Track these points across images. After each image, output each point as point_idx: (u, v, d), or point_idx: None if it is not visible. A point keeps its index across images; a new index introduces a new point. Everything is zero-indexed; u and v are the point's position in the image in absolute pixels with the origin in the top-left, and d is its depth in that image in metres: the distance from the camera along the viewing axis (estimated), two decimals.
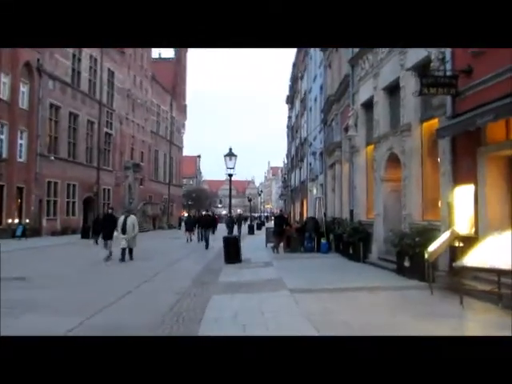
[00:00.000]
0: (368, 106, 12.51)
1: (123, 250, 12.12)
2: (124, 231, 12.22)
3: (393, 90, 10.77)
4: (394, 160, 10.47)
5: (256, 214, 56.23)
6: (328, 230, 14.77)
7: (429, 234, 8.00)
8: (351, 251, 11.88)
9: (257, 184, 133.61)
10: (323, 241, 14.25)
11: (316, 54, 24.50)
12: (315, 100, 24.72)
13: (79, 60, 30.93)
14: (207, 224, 19.24)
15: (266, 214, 66.08)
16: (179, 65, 56.99)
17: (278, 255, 14.17)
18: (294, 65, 39.13)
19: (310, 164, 25.88)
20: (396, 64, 9.90)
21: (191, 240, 21.92)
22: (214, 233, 21.64)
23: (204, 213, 27.66)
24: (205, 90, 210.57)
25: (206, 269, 11.46)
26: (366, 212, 12.54)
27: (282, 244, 15.08)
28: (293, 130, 41.00)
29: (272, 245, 16.41)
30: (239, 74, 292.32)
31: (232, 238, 12.44)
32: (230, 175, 12.83)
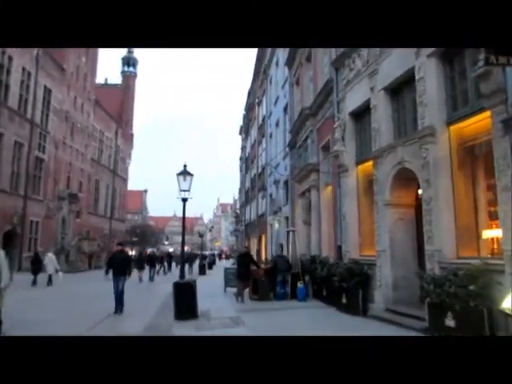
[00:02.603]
0: (359, 114, 10.11)
1: None
2: None
3: (398, 87, 8.42)
4: (403, 178, 7.95)
5: (207, 252, 52.38)
6: (304, 272, 11.89)
7: (487, 277, 5.37)
8: (344, 300, 9.01)
9: (205, 221, 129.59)
10: (300, 285, 11.31)
11: (277, 75, 22.52)
12: (276, 125, 22.47)
13: (8, 71, 26.93)
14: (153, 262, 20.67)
15: (216, 252, 62.10)
16: (127, 91, 53.81)
17: (244, 305, 10.99)
18: (250, 93, 37.32)
19: (271, 195, 23.25)
20: (407, 52, 7.53)
21: (142, 280, 20.73)
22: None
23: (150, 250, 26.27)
24: (151, 122, 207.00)
25: (147, 329, 8.09)
26: (358, 248, 9.83)
27: (246, 289, 11.95)
28: (247, 160, 38.62)
29: (234, 291, 13.24)
30: (188, 108, 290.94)
31: (185, 285, 9.17)
32: (184, 200, 9.72)
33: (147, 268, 22.43)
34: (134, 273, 25.21)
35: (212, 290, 14.72)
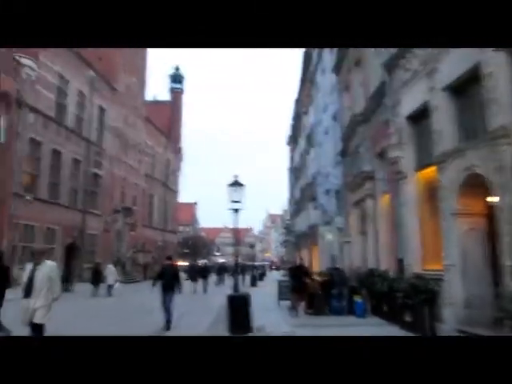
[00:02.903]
0: (417, 117, 9.48)
1: None
2: None
3: (462, 86, 7.77)
4: (474, 184, 7.25)
5: (257, 263, 52.18)
6: (361, 285, 11.29)
7: None
8: (408, 318, 8.35)
9: (255, 232, 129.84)
10: (358, 299, 10.71)
11: (325, 82, 22.05)
12: (326, 133, 21.96)
13: (65, 94, 28.42)
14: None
15: (266, 263, 61.66)
16: (175, 107, 55.31)
17: (299, 320, 10.57)
18: (297, 101, 37.02)
19: (322, 205, 22.67)
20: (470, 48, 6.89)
21: (195, 292, 21.61)
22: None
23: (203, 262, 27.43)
24: (199, 135, 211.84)
25: None
26: (421, 261, 9.13)
27: (301, 303, 11.52)
28: (296, 171, 38.20)
29: (288, 304, 12.85)
30: (235, 120, 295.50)
31: (239, 298, 8.92)
32: (236, 210, 9.51)
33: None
34: (186, 284, 25.87)
35: (265, 302, 14.38)
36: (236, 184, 9.59)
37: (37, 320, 5.64)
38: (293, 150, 42.71)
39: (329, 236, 20.59)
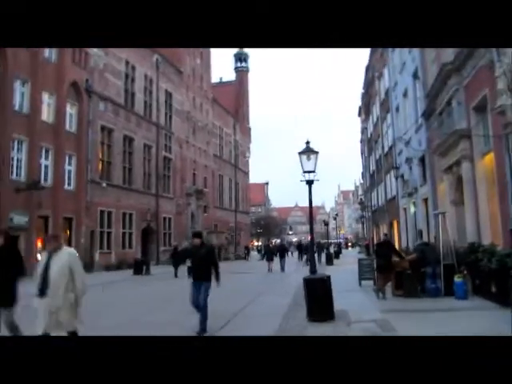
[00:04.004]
0: None
1: None
2: None
3: None
4: None
5: (332, 241, 50.72)
6: (459, 263, 9.68)
7: None
8: None
9: (327, 209, 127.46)
10: (458, 279, 9.15)
11: None
12: (404, 95, 19.78)
13: (132, 80, 28.75)
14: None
15: (341, 241, 59.72)
16: (241, 86, 54.60)
17: (388, 303, 9.28)
18: (367, 68, 34.39)
19: (402, 176, 20.65)
20: None
21: (271, 270, 21.93)
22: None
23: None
24: (267, 114, 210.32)
25: (278, 331, 6.97)
26: None
27: (388, 284, 10.19)
28: (370, 142, 35.81)
29: (370, 284, 11.58)
30: (304, 97, 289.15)
31: (318, 281, 7.84)
32: (310, 182, 8.36)
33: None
34: (260, 264, 25.88)
35: (344, 282, 13.16)
36: (308, 151, 8.42)
37: (64, 327, 4.12)
38: (365, 121, 40.17)
39: (412, 208, 18.69)
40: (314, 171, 8.33)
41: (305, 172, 8.41)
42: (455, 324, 6.89)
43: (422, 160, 16.43)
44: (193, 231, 13.06)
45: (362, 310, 8.73)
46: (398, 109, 21.40)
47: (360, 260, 13.49)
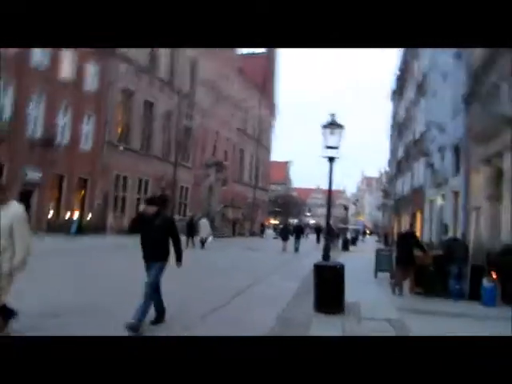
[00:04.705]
0: None
1: None
2: None
3: None
4: None
5: (350, 226, 49.60)
6: (490, 265, 8.70)
7: None
8: None
9: (348, 194, 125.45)
10: (487, 283, 8.19)
11: None
12: (444, 77, 18.31)
13: None
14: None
15: (360, 227, 58.34)
16: (270, 60, 52.85)
17: (405, 301, 8.42)
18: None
19: (432, 165, 19.37)
20: None
21: (285, 249, 21.69)
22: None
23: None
24: (297, 94, 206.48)
25: (279, 323, 6.21)
26: None
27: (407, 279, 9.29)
28: (401, 126, 34.18)
29: (387, 277, 10.73)
30: (333, 78, 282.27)
31: (330, 269, 7.02)
32: (331, 159, 7.44)
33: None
34: (275, 243, 25.45)
35: (359, 271, 12.32)
36: (333, 125, 7.46)
37: None
38: (397, 105, 38.39)
39: (439, 201, 17.53)
40: (337, 147, 7.40)
41: (327, 147, 7.48)
42: (480, 334, 6.00)
43: (457, 149, 15.18)
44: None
45: (375, 305, 7.93)
46: (435, 92, 19.94)
47: (378, 250, 12.59)
